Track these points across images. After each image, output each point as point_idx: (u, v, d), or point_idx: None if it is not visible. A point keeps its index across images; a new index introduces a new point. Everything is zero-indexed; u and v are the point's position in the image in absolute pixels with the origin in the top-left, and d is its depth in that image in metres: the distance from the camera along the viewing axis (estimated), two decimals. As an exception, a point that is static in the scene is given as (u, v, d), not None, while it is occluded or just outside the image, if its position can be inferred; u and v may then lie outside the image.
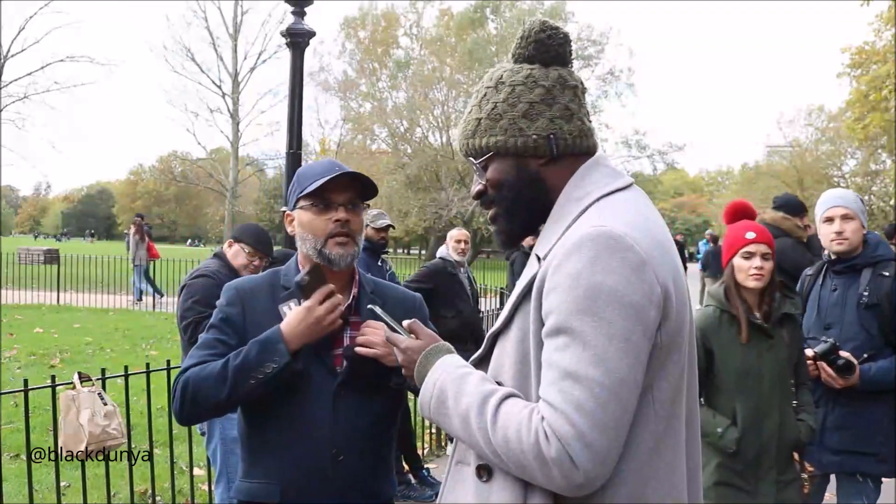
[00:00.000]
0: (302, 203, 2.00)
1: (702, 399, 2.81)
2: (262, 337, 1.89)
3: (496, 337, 1.44)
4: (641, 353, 1.27)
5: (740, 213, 2.97)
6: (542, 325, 1.31)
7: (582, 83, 1.52)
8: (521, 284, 1.40)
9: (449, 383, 1.39)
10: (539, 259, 1.38)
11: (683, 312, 1.37)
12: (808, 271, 3.37)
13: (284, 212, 2.14)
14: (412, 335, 1.58)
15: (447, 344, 1.53)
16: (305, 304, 1.89)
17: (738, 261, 2.86)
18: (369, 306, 1.69)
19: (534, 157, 1.45)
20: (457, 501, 1.44)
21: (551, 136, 1.43)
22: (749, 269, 2.82)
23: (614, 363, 1.23)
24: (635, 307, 1.25)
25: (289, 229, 2.08)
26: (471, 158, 1.51)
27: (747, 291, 2.85)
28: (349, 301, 2.02)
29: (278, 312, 1.97)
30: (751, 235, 2.85)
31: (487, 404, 1.31)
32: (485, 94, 1.49)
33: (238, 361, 1.87)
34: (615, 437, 1.24)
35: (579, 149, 1.46)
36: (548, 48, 1.47)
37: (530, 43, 1.47)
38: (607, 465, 1.24)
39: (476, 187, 1.53)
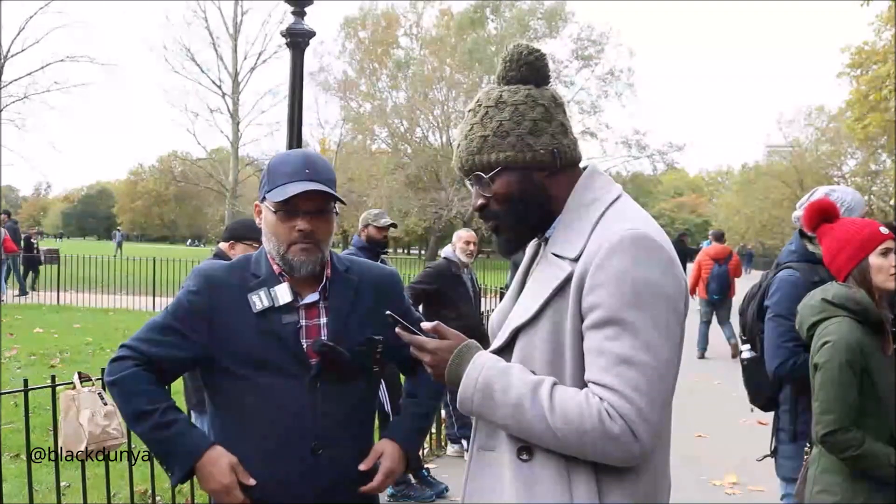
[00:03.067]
0: (268, 202, 1.96)
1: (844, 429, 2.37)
2: (183, 448, 1.88)
3: (519, 330, 1.52)
4: (678, 338, 1.46)
5: (826, 213, 2.58)
6: (581, 319, 1.45)
7: (564, 100, 1.66)
8: (548, 283, 1.50)
9: (494, 377, 1.47)
10: (559, 257, 1.51)
11: (688, 301, 1.55)
12: None
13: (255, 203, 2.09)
14: (436, 335, 1.59)
15: (475, 342, 1.57)
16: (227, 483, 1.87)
17: (876, 259, 2.46)
18: (387, 312, 1.65)
19: (538, 171, 1.57)
20: (487, 484, 1.55)
21: (555, 150, 1.56)
22: (889, 269, 2.45)
23: (660, 348, 1.41)
24: (671, 299, 1.44)
25: (257, 220, 2.05)
26: (478, 173, 1.58)
27: (880, 294, 2.48)
28: (323, 283, 2.00)
29: (247, 301, 1.94)
30: (885, 230, 2.49)
31: (540, 392, 1.43)
32: (486, 113, 1.58)
33: (155, 436, 1.89)
34: (664, 412, 1.43)
35: (575, 160, 1.61)
36: (537, 69, 1.60)
37: (521, 66, 1.59)
38: (658, 436, 1.42)
39: (479, 201, 1.62)
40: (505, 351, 1.55)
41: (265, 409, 1.91)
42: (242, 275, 1.99)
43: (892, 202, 33.50)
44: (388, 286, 2.11)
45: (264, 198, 1.98)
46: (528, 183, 1.56)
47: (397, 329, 1.61)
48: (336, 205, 1.99)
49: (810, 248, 2.90)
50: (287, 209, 1.92)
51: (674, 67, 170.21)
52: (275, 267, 1.99)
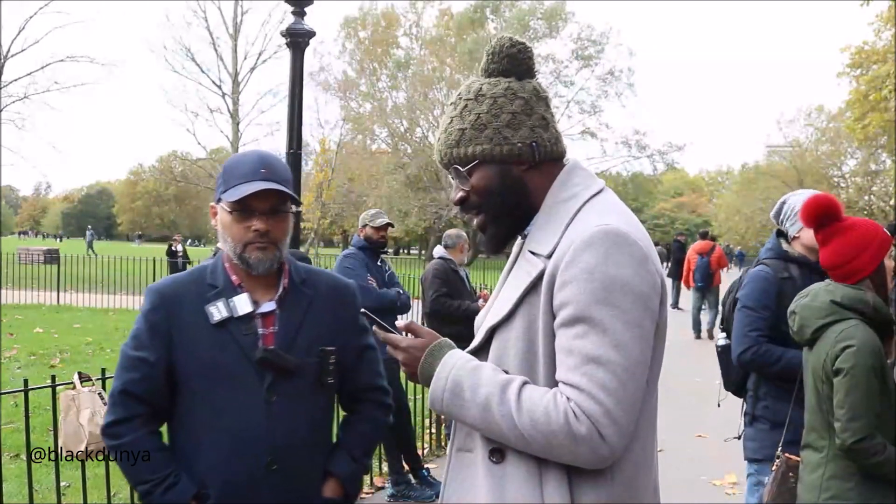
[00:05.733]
0: (224, 202, 1.91)
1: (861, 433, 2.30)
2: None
3: (494, 330, 1.51)
4: (649, 337, 1.42)
5: (832, 211, 2.47)
6: (553, 317, 1.42)
7: (547, 94, 1.62)
8: (522, 280, 1.49)
9: (464, 376, 1.45)
10: (535, 255, 1.49)
11: (666, 298, 1.52)
12: None
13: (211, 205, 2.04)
14: (410, 334, 1.59)
15: (448, 340, 1.56)
16: None
17: (888, 261, 2.44)
18: (362, 310, 1.63)
19: (517, 164, 1.54)
20: (463, 485, 1.52)
21: (534, 143, 1.53)
22: (891, 271, 2.45)
23: (630, 347, 1.37)
24: (643, 296, 1.40)
25: (212, 221, 2.01)
26: (455, 167, 1.56)
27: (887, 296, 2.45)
28: (279, 293, 1.96)
29: (205, 313, 1.90)
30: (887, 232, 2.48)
31: (508, 391, 1.40)
32: (465, 106, 1.56)
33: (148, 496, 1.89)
34: (634, 412, 1.39)
35: (556, 154, 1.58)
36: (520, 62, 1.57)
37: (503, 58, 1.56)
38: (627, 438, 1.39)
39: (458, 194, 1.59)
40: (481, 350, 1.53)
41: (221, 424, 1.87)
42: (198, 287, 1.95)
43: (892, 202, 33.47)
44: (343, 298, 2.07)
45: (220, 199, 1.94)
46: (507, 176, 1.54)
47: (374, 327, 1.60)
48: (292, 205, 1.95)
49: (784, 246, 3.07)
50: (242, 209, 1.88)
51: (674, 67, 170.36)
52: (233, 277, 1.95)
